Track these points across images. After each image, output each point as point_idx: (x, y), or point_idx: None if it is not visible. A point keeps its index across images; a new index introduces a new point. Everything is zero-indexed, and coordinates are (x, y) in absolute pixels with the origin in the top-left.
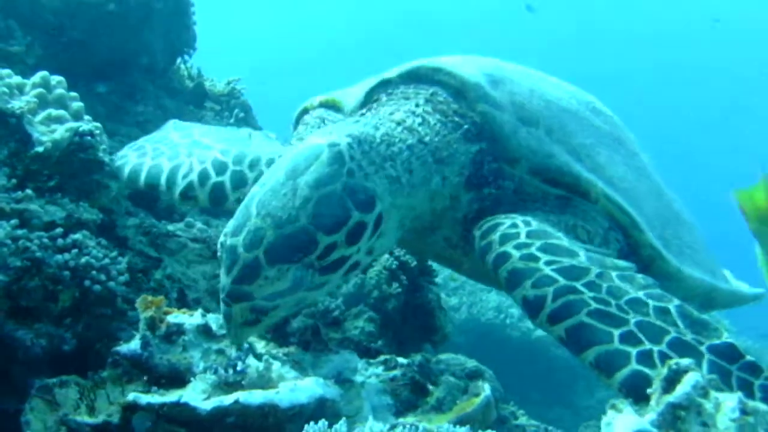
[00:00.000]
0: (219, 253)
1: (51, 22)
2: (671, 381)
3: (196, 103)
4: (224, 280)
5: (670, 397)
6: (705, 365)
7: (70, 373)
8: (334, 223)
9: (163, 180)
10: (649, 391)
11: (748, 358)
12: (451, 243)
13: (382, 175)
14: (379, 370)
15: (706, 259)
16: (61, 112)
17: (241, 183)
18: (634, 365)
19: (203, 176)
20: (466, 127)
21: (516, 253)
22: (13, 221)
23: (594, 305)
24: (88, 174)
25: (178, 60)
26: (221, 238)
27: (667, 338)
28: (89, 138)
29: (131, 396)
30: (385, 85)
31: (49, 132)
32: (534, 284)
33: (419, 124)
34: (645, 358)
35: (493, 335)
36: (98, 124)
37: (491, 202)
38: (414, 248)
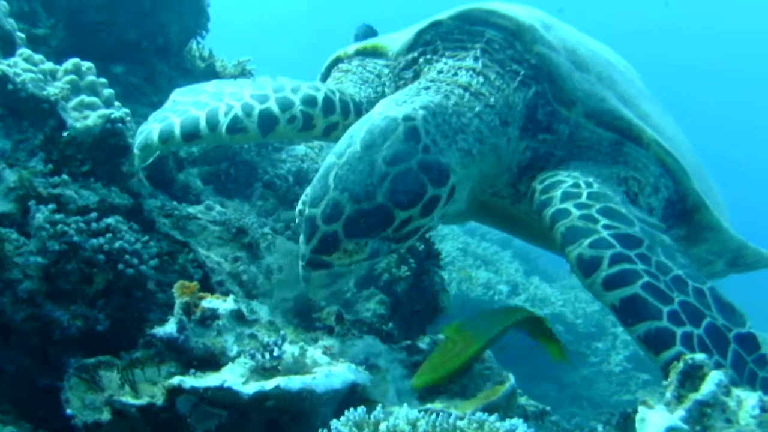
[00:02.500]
0: (297, 220)
1: (72, 4)
2: (687, 374)
3: (206, 80)
4: (304, 248)
5: (698, 395)
6: (729, 354)
7: (103, 353)
8: (410, 200)
9: (203, 125)
10: (664, 383)
11: (762, 350)
12: (500, 194)
13: (455, 149)
14: (402, 355)
15: (730, 219)
16: (94, 98)
17: (287, 105)
18: (678, 346)
19: (247, 108)
20: (522, 73)
21: (576, 212)
22: (51, 206)
23: (646, 278)
24: (118, 159)
25: (192, 41)
26: (299, 206)
27: (704, 322)
28: (120, 125)
29: (176, 380)
30: (436, 27)
31: (83, 118)
32: (591, 244)
33: (482, 85)
34: (687, 340)
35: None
36: (128, 110)
37: (546, 149)
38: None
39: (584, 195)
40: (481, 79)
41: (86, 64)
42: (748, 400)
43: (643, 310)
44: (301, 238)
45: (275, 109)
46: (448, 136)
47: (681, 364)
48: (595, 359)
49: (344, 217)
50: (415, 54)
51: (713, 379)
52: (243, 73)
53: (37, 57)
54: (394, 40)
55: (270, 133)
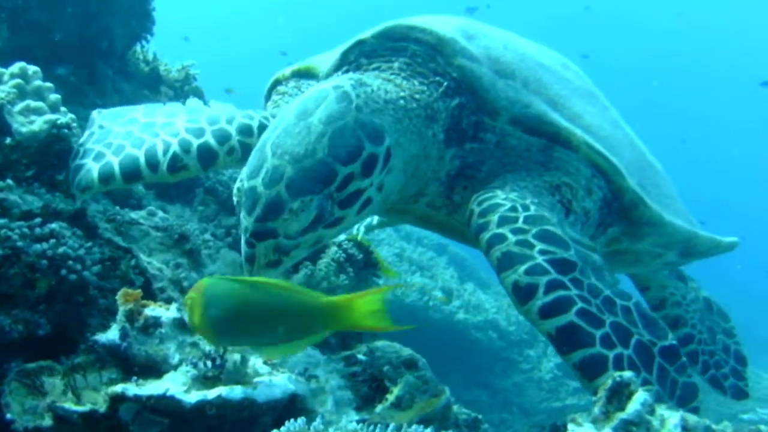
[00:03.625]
0: (235, 199)
1: (16, 3)
2: (614, 391)
3: (151, 87)
4: (246, 221)
5: (624, 414)
6: (655, 368)
7: (44, 357)
8: (349, 153)
9: (143, 165)
10: (594, 399)
11: (683, 359)
12: (435, 206)
13: (386, 114)
14: (341, 365)
15: (682, 209)
16: (40, 103)
17: (225, 138)
18: (611, 371)
19: (185, 144)
20: (445, 84)
21: (512, 237)
22: None
23: (580, 304)
24: (63, 164)
25: (136, 44)
26: (237, 184)
27: (633, 341)
28: (66, 130)
29: (119, 387)
30: (360, 46)
31: (28, 123)
32: (527, 271)
33: (407, 84)
34: (618, 362)
35: (417, 316)
36: (74, 116)
37: (474, 158)
38: (395, 212)
39: (521, 219)
40: (405, 81)
41: (32, 68)
42: (670, 419)
43: (578, 338)
44: (242, 213)
45: (213, 142)
46: (378, 102)
47: (609, 381)
48: (527, 366)
49: (286, 177)
50: (340, 73)
51: (639, 399)
52: (186, 77)
53: None
54: (325, 60)
55: (211, 167)
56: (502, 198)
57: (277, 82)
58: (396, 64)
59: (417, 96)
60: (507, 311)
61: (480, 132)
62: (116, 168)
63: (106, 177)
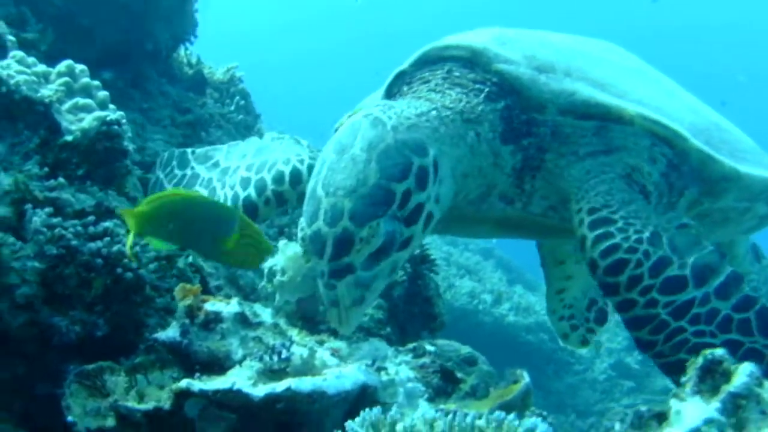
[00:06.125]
0: (303, 248)
1: (60, 9)
2: (706, 370)
3: (196, 90)
4: (320, 265)
5: (730, 387)
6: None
7: (101, 359)
8: (400, 171)
9: None
10: (683, 379)
11: None
12: (508, 199)
13: (422, 127)
14: (408, 357)
15: (764, 160)
16: (88, 101)
17: (261, 190)
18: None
19: (234, 199)
20: (487, 90)
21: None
22: (48, 209)
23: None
24: (114, 162)
25: (180, 47)
26: (300, 234)
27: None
28: (116, 127)
29: (184, 383)
30: (401, 78)
31: (77, 121)
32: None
33: (441, 97)
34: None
35: (467, 320)
36: (123, 113)
37: (534, 150)
38: (471, 222)
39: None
40: (440, 95)
41: (80, 67)
42: None
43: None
44: (313, 260)
45: (253, 195)
46: (410, 119)
47: (700, 359)
48: (579, 367)
49: (347, 210)
50: None
51: (744, 371)
52: (232, 79)
53: (30, 59)
54: (372, 100)
55: (257, 219)
56: (605, 212)
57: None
58: (432, 83)
59: (450, 105)
60: None
61: (533, 127)
62: None
63: None
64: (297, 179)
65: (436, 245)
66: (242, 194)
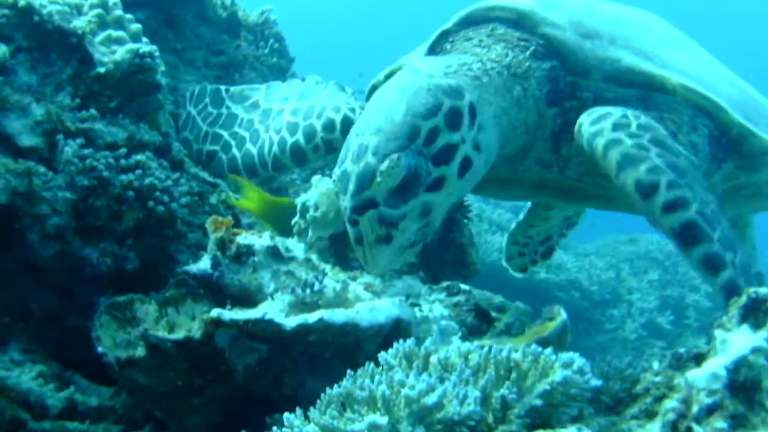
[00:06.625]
0: (336, 191)
1: None
2: (749, 309)
3: (230, 32)
4: (345, 203)
5: None
6: None
7: (132, 293)
8: (428, 109)
9: (257, 163)
10: (724, 318)
11: None
12: (545, 163)
13: (461, 74)
14: (442, 296)
15: None
16: (121, 33)
17: (311, 136)
18: (729, 268)
19: (282, 143)
20: (533, 47)
21: (629, 141)
22: (79, 140)
23: (697, 205)
24: (146, 95)
25: None
26: (333, 178)
27: (737, 253)
28: (149, 60)
29: (215, 312)
30: (445, 36)
31: (110, 53)
32: (648, 170)
33: (486, 51)
34: (734, 265)
35: (498, 276)
36: (155, 47)
37: (574, 113)
38: (506, 183)
39: (633, 125)
40: (485, 50)
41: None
42: None
43: (699, 234)
44: (341, 199)
45: (302, 141)
46: (450, 67)
47: (744, 298)
48: (610, 326)
49: (371, 147)
50: None
51: None
52: (266, 22)
53: None
54: (415, 56)
55: (304, 164)
56: (611, 108)
57: (374, 88)
58: (476, 39)
59: (495, 58)
60: (589, 271)
61: (577, 91)
62: (240, 164)
63: (233, 171)
64: (347, 127)
65: (468, 202)
66: (290, 140)
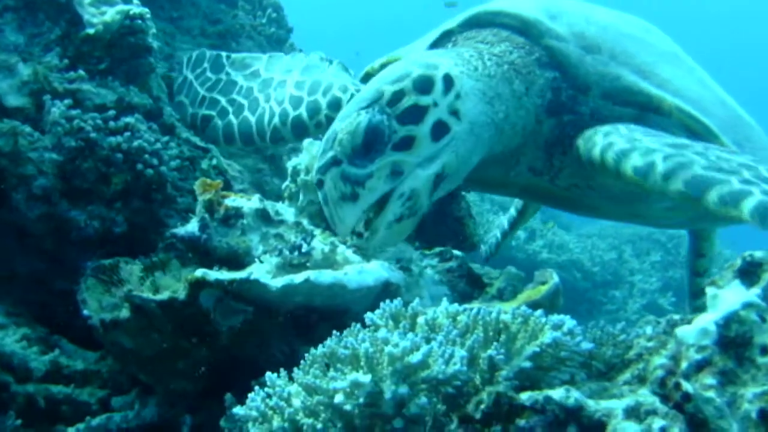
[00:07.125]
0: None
1: None
2: (745, 272)
3: (228, 1)
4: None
5: None
6: None
7: (120, 257)
8: (396, 76)
9: (254, 132)
10: (717, 277)
11: None
12: (536, 171)
13: (448, 57)
14: (435, 261)
15: None
16: None
17: (315, 112)
18: (760, 196)
19: (283, 116)
20: (537, 55)
21: (621, 139)
22: (67, 101)
23: (705, 162)
24: (136, 58)
25: None
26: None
27: None
28: (140, 21)
29: (199, 272)
30: (447, 36)
31: (99, 14)
32: (642, 153)
33: (489, 47)
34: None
35: (499, 255)
36: (147, 9)
37: (571, 128)
38: (497, 186)
39: (623, 128)
40: (487, 47)
41: None
42: None
43: (711, 180)
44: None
45: (305, 116)
46: (443, 53)
47: (739, 261)
48: (612, 307)
49: (342, 114)
50: None
51: None
52: None
53: None
54: (413, 50)
55: (304, 137)
56: (599, 126)
57: (368, 75)
58: (479, 37)
59: (498, 53)
60: (591, 252)
61: (576, 105)
62: (236, 131)
63: (228, 138)
64: None
65: None
66: (292, 113)
